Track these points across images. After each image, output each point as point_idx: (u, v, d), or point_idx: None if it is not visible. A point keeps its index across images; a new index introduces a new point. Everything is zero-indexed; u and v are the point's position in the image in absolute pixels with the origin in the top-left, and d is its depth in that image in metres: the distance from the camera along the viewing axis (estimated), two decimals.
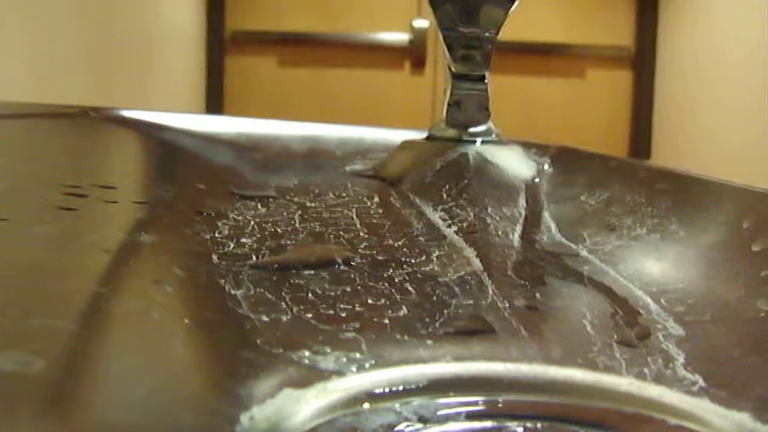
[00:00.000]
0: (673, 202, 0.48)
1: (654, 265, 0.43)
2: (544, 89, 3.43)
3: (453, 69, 0.66)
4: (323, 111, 3.40)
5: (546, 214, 0.53)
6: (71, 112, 0.68)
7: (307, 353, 0.31)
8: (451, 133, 0.64)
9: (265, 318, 0.33)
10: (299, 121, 0.69)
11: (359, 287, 0.39)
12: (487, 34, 0.65)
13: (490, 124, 0.65)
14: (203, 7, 3.38)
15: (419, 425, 0.28)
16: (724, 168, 2.57)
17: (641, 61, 3.44)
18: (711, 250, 0.42)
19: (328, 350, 0.31)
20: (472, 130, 0.64)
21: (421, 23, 3.39)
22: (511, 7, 0.65)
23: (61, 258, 0.32)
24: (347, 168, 0.65)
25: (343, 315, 0.35)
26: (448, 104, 0.66)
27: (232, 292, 0.36)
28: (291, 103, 3.43)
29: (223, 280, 0.37)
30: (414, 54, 3.44)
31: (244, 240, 0.44)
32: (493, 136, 0.64)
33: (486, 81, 0.65)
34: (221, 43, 3.45)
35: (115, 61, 2.09)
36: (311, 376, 0.29)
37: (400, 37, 3.44)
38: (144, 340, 0.27)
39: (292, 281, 0.38)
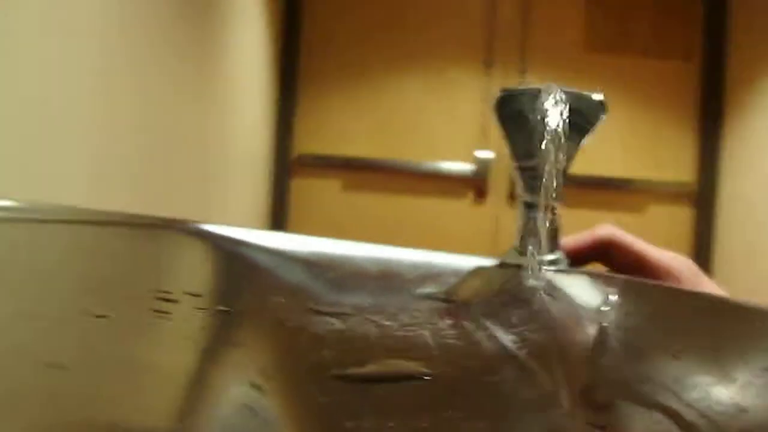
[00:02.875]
0: (744, 347, 0.49)
1: (719, 394, 0.44)
2: (605, 223, 3.43)
3: (524, 199, 0.68)
4: (385, 236, 3.43)
5: (615, 343, 0.54)
6: (157, 223, 0.71)
7: None
8: (521, 260, 0.66)
9: (349, 424, 0.35)
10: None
11: (438, 401, 0.40)
12: (558, 166, 0.67)
13: (560, 253, 0.66)
14: (272, 129, 3.45)
15: None
16: None
17: (703, 198, 3.44)
18: None
19: None
20: (542, 257, 0.66)
21: (484, 154, 3.43)
22: (582, 140, 0.67)
23: (161, 355, 0.34)
24: (418, 291, 0.66)
25: (425, 425, 0.36)
26: (519, 232, 0.67)
27: (320, 399, 0.37)
28: (353, 227, 3.47)
29: (310, 388, 0.39)
30: (477, 184, 3.48)
31: (324, 352, 0.45)
32: (562, 264, 0.66)
33: (556, 211, 0.67)
34: (287, 165, 3.51)
35: (182, 178, 2.14)
36: None
37: (463, 167, 3.48)
38: None
39: (373, 392, 0.40)
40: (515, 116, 0.67)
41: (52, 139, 1.37)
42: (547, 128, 0.63)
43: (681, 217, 3.49)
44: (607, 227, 0.75)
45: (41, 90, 1.32)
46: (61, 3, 1.35)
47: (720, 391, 0.44)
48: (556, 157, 0.67)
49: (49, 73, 1.34)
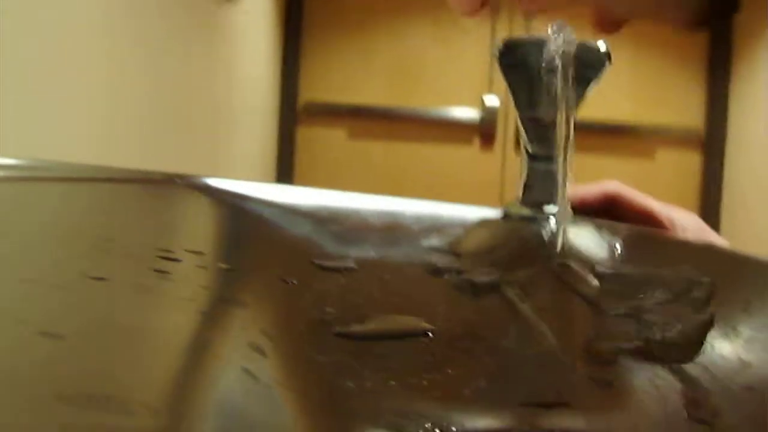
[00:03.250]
0: (748, 301, 0.49)
1: (723, 348, 0.44)
2: (613, 169, 3.43)
3: (529, 149, 0.67)
4: (392, 184, 3.43)
5: (618, 296, 0.54)
6: (157, 179, 0.71)
7: (391, 418, 0.32)
8: (526, 211, 0.66)
9: (350, 384, 0.35)
10: (368, 193, 0.71)
11: (440, 358, 0.40)
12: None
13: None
14: (278, 77, 3.44)
15: None
16: None
17: (711, 143, 3.43)
18: None
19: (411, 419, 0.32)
20: (546, 209, 0.65)
21: (491, 100, 3.42)
22: (587, 89, 0.66)
23: (160, 318, 0.34)
24: (424, 243, 0.66)
25: (425, 384, 0.36)
26: (524, 184, 0.67)
27: (319, 358, 0.37)
28: (360, 175, 3.47)
29: (310, 347, 0.39)
30: (484, 131, 3.47)
31: (327, 309, 0.45)
32: (568, 216, 0.65)
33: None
34: (293, 113, 3.50)
35: (189, 128, 2.14)
36: None
37: (471, 113, 3.47)
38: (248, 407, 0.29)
39: (374, 351, 0.40)
40: (519, 65, 0.66)
41: (58, 97, 1.37)
42: (558, 63, 0.63)
43: (689, 162, 3.48)
44: (613, 182, 0.75)
45: (45, 49, 1.32)
46: None
47: (724, 346, 0.44)
48: (566, 101, 0.66)
49: (52, 31, 1.34)
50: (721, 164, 3.40)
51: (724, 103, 3.41)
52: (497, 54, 0.66)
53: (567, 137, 0.66)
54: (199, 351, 0.31)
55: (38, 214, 0.50)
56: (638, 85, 3.49)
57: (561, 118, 0.65)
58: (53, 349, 0.26)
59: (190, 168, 2.04)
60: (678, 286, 0.53)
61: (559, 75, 0.63)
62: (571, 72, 0.63)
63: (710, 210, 3.38)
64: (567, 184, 0.66)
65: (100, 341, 0.29)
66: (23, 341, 0.26)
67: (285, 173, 3.46)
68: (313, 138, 3.55)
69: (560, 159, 0.61)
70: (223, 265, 0.50)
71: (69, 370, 0.25)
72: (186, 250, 0.48)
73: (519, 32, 3.38)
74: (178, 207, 0.65)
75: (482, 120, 3.46)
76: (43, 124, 1.32)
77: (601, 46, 0.64)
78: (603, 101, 3.28)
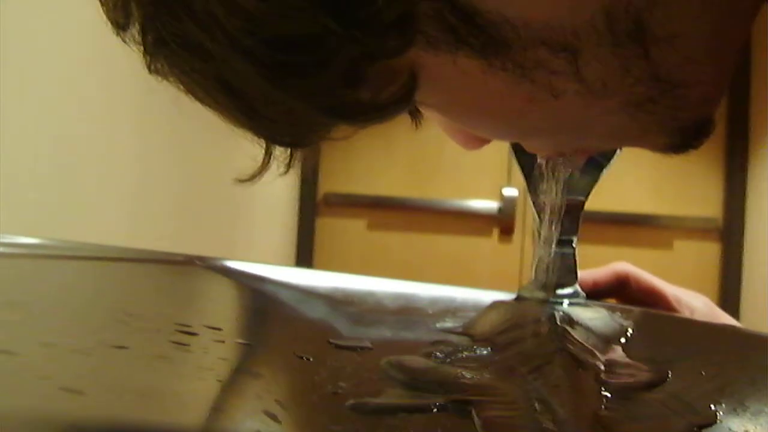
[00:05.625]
0: (755, 375, 0.49)
1: (731, 422, 0.45)
2: (631, 260, 3.41)
3: (541, 233, 0.69)
4: (411, 274, 3.42)
5: (629, 372, 0.55)
6: (178, 260, 0.72)
7: None
8: (539, 294, 0.67)
9: None
10: None
11: (451, 430, 0.41)
12: (575, 200, 0.68)
13: (577, 286, 0.67)
14: (297, 169, 3.47)
15: None
16: None
17: (729, 233, 3.43)
18: None
19: None
20: (559, 291, 0.66)
21: (510, 192, 3.43)
22: (599, 175, 0.67)
23: (177, 383, 0.35)
24: (438, 325, 0.67)
25: None
26: (536, 267, 0.68)
27: (332, 427, 0.38)
28: (379, 265, 3.47)
29: (323, 417, 0.40)
30: (503, 222, 3.48)
31: (341, 383, 0.46)
32: (580, 298, 0.66)
33: (573, 245, 0.68)
34: (313, 204, 3.52)
35: (212, 219, 2.16)
36: None
37: (490, 204, 3.48)
38: None
39: (387, 423, 0.41)
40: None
41: (93, 183, 1.41)
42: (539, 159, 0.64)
43: (708, 252, 3.47)
44: (623, 264, 0.76)
45: (82, 138, 1.36)
46: (98, 57, 1.38)
47: (732, 419, 0.45)
48: (574, 192, 0.68)
49: (89, 123, 1.38)
50: (740, 254, 3.40)
51: (742, 193, 3.41)
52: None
53: (578, 222, 0.68)
54: (215, 412, 0.32)
55: (63, 287, 0.52)
56: (658, 177, 3.50)
57: (559, 201, 0.66)
58: (73, 403, 0.27)
59: (210, 254, 2.07)
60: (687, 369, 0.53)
61: (569, 161, 0.65)
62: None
63: (730, 299, 3.36)
64: (574, 267, 0.67)
65: (120, 398, 0.30)
66: (47, 395, 0.27)
67: (304, 263, 3.46)
68: (332, 228, 3.57)
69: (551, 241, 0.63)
70: (241, 341, 0.51)
71: (89, 421, 0.26)
72: (204, 326, 0.49)
73: None
74: (197, 286, 0.67)
75: (501, 211, 3.47)
76: (80, 209, 1.35)
77: None
78: (623, 193, 3.29)
